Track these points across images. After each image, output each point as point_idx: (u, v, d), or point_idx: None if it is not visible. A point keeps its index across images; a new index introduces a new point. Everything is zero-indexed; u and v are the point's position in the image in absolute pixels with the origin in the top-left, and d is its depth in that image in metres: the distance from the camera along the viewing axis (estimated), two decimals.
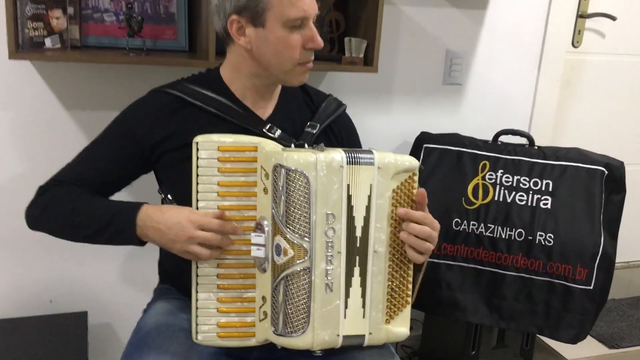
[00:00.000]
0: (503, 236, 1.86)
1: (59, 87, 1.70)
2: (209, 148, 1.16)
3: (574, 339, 1.86)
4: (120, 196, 1.33)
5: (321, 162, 1.12)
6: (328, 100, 1.43)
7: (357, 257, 1.18)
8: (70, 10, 1.59)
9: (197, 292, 1.19)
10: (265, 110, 1.33)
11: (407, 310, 1.24)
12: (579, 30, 2.34)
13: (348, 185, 1.14)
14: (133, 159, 1.29)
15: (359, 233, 1.17)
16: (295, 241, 1.12)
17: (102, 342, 1.92)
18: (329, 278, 1.15)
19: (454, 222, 1.89)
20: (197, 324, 1.20)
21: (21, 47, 1.43)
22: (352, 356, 1.24)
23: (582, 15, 2.32)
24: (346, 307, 1.17)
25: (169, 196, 1.26)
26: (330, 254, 1.14)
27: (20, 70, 1.65)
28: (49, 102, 1.71)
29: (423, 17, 2.07)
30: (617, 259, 2.73)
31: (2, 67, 1.63)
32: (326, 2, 1.81)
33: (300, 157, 1.11)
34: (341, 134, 1.42)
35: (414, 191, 1.20)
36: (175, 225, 1.13)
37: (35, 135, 1.72)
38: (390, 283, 1.21)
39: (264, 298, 1.18)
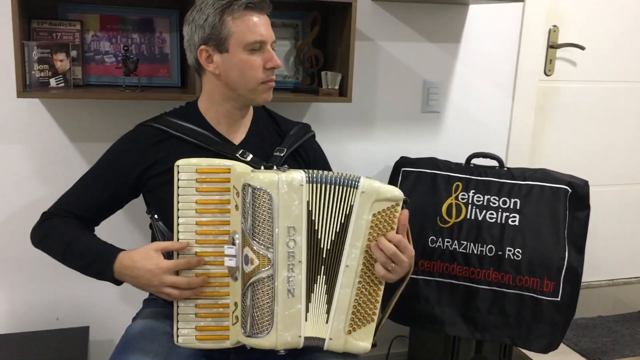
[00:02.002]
0: (475, 252, 1.98)
1: (65, 122, 1.89)
2: (188, 170, 1.31)
3: (545, 349, 1.96)
4: (115, 216, 1.51)
5: (282, 181, 1.26)
6: (296, 128, 1.59)
7: (323, 267, 1.31)
8: (74, 53, 1.79)
9: (177, 299, 1.33)
10: (238, 136, 1.50)
11: (370, 327, 1.34)
12: (550, 60, 2.49)
13: (308, 202, 1.28)
14: (121, 188, 1.46)
15: (327, 245, 1.30)
16: (260, 252, 1.27)
17: (104, 357, 2.06)
18: (290, 284, 1.28)
19: (429, 239, 2.02)
20: (177, 328, 1.33)
21: (28, 87, 1.62)
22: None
23: (552, 46, 2.47)
24: (307, 311, 1.30)
25: (155, 216, 1.43)
26: (292, 262, 1.28)
27: (32, 108, 1.85)
28: (56, 136, 1.90)
29: (400, 51, 2.24)
30: (603, 277, 2.85)
31: (15, 105, 1.82)
32: (306, 40, 1.99)
33: (265, 177, 1.26)
34: (309, 157, 1.57)
35: (395, 222, 1.31)
36: (147, 273, 1.29)
37: (45, 165, 1.90)
38: (357, 298, 1.33)
39: (236, 304, 1.32)
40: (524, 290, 1.94)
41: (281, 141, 1.54)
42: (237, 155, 1.44)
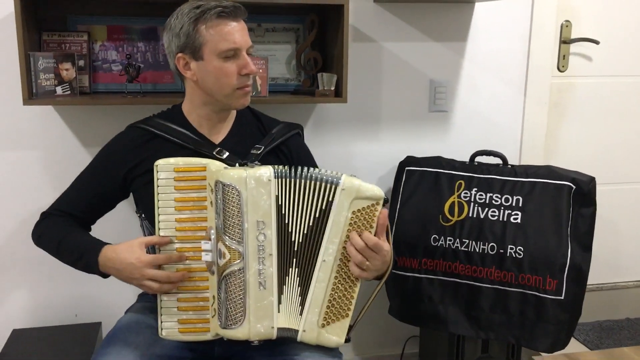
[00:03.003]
0: (477, 250, 1.97)
1: (76, 128, 2.00)
2: (166, 170, 1.38)
3: (550, 348, 1.93)
4: (107, 217, 1.61)
5: (250, 176, 1.31)
6: (279, 126, 1.62)
7: (295, 260, 1.34)
8: (82, 62, 1.90)
9: (161, 294, 1.40)
10: (219, 136, 1.55)
11: (344, 322, 1.37)
12: (564, 55, 2.44)
13: (277, 196, 1.32)
14: (110, 187, 1.54)
15: (299, 239, 1.34)
16: (232, 246, 1.32)
17: None
18: (261, 277, 1.33)
19: (432, 238, 2.02)
20: (161, 322, 1.39)
21: (35, 95, 1.73)
22: (295, 353, 1.39)
23: (565, 41, 2.43)
24: (279, 302, 1.34)
25: (142, 215, 1.50)
26: (262, 256, 1.33)
27: (45, 115, 1.96)
28: (69, 141, 2.00)
29: (404, 51, 2.25)
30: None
31: (29, 113, 1.94)
32: (305, 43, 2.04)
33: (234, 174, 1.31)
34: (292, 155, 1.60)
35: (373, 220, 1.33)
36: (128, 266, 1.36)
37: (60, 169, 2.01)
38: (333, 292, 1.36)
39: (214, 297, 1.37)
40: (526, 288, 1.92)
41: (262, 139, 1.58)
42: (214, 153, 1.49)
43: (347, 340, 1.38)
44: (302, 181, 1.33)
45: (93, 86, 1.95)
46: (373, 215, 1.33)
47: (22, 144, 1.97)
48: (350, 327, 1.39)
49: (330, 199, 1.32)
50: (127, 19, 1.96)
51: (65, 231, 1.49)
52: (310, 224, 1.34)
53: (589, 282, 2.69)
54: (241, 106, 1.52)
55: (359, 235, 1.32)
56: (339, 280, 1.36)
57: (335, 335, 1.37)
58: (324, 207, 1.33)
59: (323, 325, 1.36)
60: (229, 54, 1.43)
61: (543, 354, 1.33)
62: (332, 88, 1.93)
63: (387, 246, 1.34)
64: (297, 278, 1.36)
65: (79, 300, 2.13)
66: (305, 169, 1.34)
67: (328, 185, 1.32)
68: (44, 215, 1.55)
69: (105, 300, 2.16)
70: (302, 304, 1.36)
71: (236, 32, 1.43)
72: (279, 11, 2.05)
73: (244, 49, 1.46)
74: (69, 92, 1.81)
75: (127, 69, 1.85)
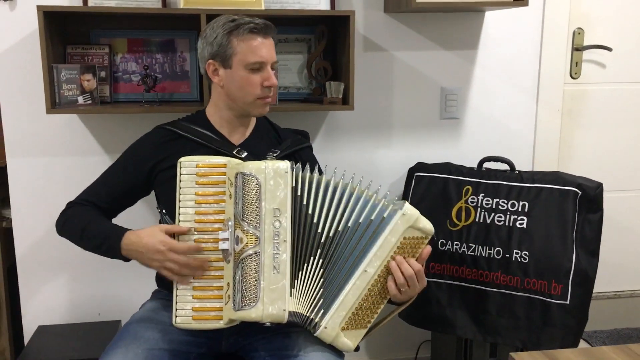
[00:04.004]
0: (483, 254, 2.00)
1: (100, 136, 2.12)
2: (189, 166, 1.48)
3: None
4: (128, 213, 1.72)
5: (269, 167, 1.43)
6: (293, 137, 1.76)
7: (320, 250, 1.43)
8: (103, 73, 2.01)
9: (177, 282, 1.47)
10: (238, 139, 1.68)
11: (361, 332, 1.46)
12: (576, 63, 2.45)
13: (293, 187, 1.43)
14: (135, 180, 1.65)
15: (328, 233, 1.43)
16: (250, 230, 1.42)
17: None
18: (276, 261, 1.41)
19: (439, 242, 2.06)
20: (176, 309, 1.46)
21: (57, 104, 1.84)
22: (299, 349, 1.45)
23: (577, 48, 2.44)
24: (292, 287, 1.42)
25: (163, 210, 1.59)
26: (277, 241, 1.42)
27: (71, 123, 2.08)
28: (93, 148, 2.12)
29: (415, 59, 2.30)
30: None
31: (56, 121, 2.06)
32: (315, 53, 2.11)
33: (254, 165, 1.44)
34: (303, 162, 1.67)
35: (419, 251, 1.44)
36: (151, 248, 1.45)
37: (86, 175, 2.12)
38: (362, 302, 1.44)
39: (228, 284, 1.44)
40: (532, 293, 1.94)
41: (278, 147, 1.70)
42: (234, 152, 1.60)
43: (356, 349, 1.46)
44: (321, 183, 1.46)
45: (114, 96, 2.06)
46: (419, 248, 1.45)
47: (48, 150, 2.09)
48: (362, 338, 1.47)
49: (384, 215, 1.42)
50: (147, 32, 2.07)
51: (90, 218, 1.59)
52: (350, 225, 1.43)
53: (606, 289, 2.70)
54: (259, 114, 1.65)
55: (408, 262, 1.42)
56: (372, 293, 1.44)
57: (349, 341, 1.44)
58: (372, 218, 1.43)
59: (343, 329, 1.44)
60: (255, 66, 1.57)
61: (520, 352, 1.36)
62: (340, 96, 2.00)
63: (425, 279, 1.46)
64: (320, 269, 1.43)
65: (101, 299, 2.24)
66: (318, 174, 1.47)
67: (384, 205, 1.43)
68: (70, 204, 1.66)
69: (127, 300, 2.26)
70: (320, 293, 1.43)
71: (264, 47, 1.57)
72: (290, 22, 2.13)
73: (269, 63, 1.60)
74: (90, 101, 1.92)
75: (145, 79, 1.95)
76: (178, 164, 1.48)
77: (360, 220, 1.43)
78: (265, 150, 1.65)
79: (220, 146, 1.62)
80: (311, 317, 1.43)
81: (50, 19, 1.82)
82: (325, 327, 1.43)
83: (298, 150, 1.73)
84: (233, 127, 1.67)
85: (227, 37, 1.56)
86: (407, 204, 1.44)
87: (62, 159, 2.11)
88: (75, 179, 2.11)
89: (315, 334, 1.43)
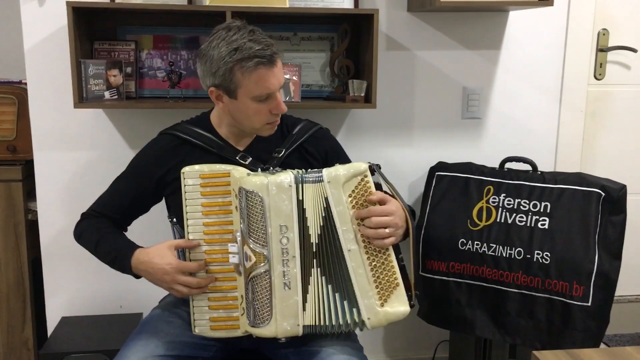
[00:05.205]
0: (504, 255, 1.99)
1: (125, 131, 2.15)
2: (192, 176, 1.46)
3: None
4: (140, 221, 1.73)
5: (272, 183, 1.39)
6: (299, 126, 1.67)
7: (316, 260, 1.41)
8: (129, 69, 2.04)
9: (186, 297, 1.48)
10: (244, 142, 1.63)
11: (400, 291, 1.43)
12: (601, 64, 2.43)
13: (299, 201, 1.39)
14: (143, 191, 1.63)
15: (315, 239, 1.41)
16: (257, 249, 1.40)
17: None
18: (286, 278, 1.40)
19: (459, 242, 2.05)
20: (194, 319, 1.48)
21: (85, 99, 1.88)
22: (320, 347, 1.46)
23: (602, 49, 2.42)
24: (305, 301, 1.41)
25: (174, 219, 1.59)
26: (286, 258, 1.40)
27: (97, 118, 2.11)
28: (118, 143, 2.15)
29: (438, 59, 2.30)
30: None
31: (83, 117, 2.10)
32: (337, 51, 2.12)
33: (256, 181, 1.39)
34: (319, 152, 1.66)
35: (371, 191, 1.41)
36: (159, 271, 1.45)
37: (112, 169, 2.15)
38: (373, 272, 1.42)
39: (242, 296, 1.45)
40: (553, 294, 1.92)
41: (283, 141, 1.63)
42: (237, 158, 1.56)
43: (412, 306, 1.43)
44: (309, 185, 1.41)
45: (139, 91, 2.09)
46: (367, 189, 1.41)
47: (74, 144, 2.13)
48: (409, 293, 1.43)
49: (325, 195, 1.40)
50: (172, 29, 2.09)
51: (101, 233, 1.59)
52: (322, 223, 1.41)
53: (627, 292, 2.67)
54: (267, 135, 1.58)
55: (367, 210, 1.39)
56: (373, 259, 1.42)
57: (398, 307, 1.42)
58: (324, 204, 1.40)
59: (382, 305, 1.42)
60: (262, 97, 1.47)
61: (544, 351, 1.35)
62: (362, 94, 2.00)
63: (392, 199, 1.42)
64: (321, 277, 1.41)
65: (123, 292, 2.27)
66: (310, 172, 1.42)
67: (319, 184, 1.40)
68: (83, 216, 1.66)
69: (148, 293, 2.27)
70: (347, 299, 1.41)
71: (271, 76, 1.46)
72: (314, 21, 2.14)
73: (277, 90, 1.49)
74: (116, 96, 1.95)
75: (170, 75, 1.98)
76: (182, 175, 1.45)
77: (324, 214, 1.40)
78: (273, 150, 1.61)
79: (224, 152, 1.58)
80: (353, 322, 1.42)
81: (79, 14, 1.86)
82: (369, 318, 1.42)
83: (308, 139, 1.65)
84: (240, 136, 1.61)
85: (231, 71, 1.44)
86: (324, 172, 1.40)
87: (88, 153, 2.14)
88: (100, 174, 2.14)
89: (369, 328, 1.42)
